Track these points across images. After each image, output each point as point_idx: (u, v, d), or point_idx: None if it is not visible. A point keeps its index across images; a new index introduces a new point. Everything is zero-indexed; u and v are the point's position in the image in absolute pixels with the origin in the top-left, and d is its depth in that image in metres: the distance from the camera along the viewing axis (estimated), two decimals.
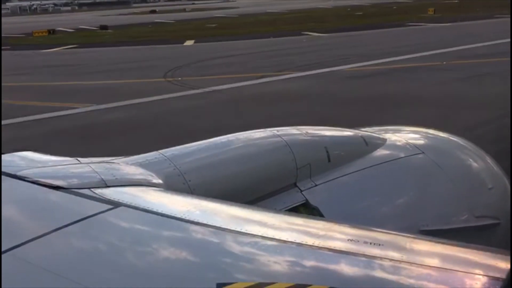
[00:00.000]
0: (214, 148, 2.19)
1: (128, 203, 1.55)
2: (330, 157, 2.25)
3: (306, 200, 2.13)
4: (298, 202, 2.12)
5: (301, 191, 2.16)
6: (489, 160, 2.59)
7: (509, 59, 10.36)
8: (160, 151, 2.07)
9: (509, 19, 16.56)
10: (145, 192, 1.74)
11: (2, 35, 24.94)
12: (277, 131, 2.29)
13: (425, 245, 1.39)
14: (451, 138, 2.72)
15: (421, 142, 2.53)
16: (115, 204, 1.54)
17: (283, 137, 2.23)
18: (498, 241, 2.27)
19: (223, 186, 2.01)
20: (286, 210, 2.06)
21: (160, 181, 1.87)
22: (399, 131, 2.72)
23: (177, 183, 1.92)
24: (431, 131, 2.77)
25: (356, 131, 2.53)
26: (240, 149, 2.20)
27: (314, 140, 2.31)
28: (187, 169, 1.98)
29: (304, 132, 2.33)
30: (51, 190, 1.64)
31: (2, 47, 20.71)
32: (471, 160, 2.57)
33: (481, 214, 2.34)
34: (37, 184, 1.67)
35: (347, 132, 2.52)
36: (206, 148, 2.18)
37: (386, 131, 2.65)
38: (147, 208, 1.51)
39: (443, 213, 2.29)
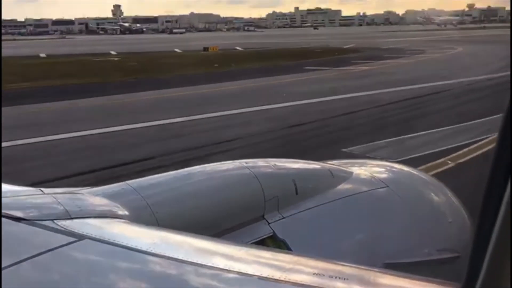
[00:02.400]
0: (182, 179, 2.17)
1: (93, 236, 1.51)
2: (298, 190, 2.27)
3: (274, 232, 2.14)
4: (265, 234, 2.13)
5: (269, 223, 2.16)
6: (449, 194, 2.66)
7: None
8: (127, 182, 2.04)
9: None
10: (110, 224, 1.71)
11: None
12: (246, 163, 2.29)
13: (388, 279, 1.42)
14: (414, 172, 2.80)
15: (386, 175, 2.59)
16: (79, 237, 1.50)
17: (251, 169, 2.23)
18: (457, 275, 2.24)
19: (190, 218, 1.99)
20: (253, 243, 2.06)
21: (126, 213, 1.84)
22: (364, 164, 2.78)
23: (144, 215, 1.89)
24: (395, 165, 2.85)
25: (323, 164, 2.57)
26: (209, 181, 2.19)
27: (282, 173, 2.34)
28: (154, 200, 1.96)
29: (272, 164, 2.35)
30: (12, 222, 1.58)
31: None
32: (432, 194, 2.63)
33: (442, 247, 2.39)
34: None
35: (315, 165, 2.55)
36: (174, 179, 2.16)
37: (352, 164, 2.70)
38: (112, 241, 1.48)
39: (406, 246, 2.33)
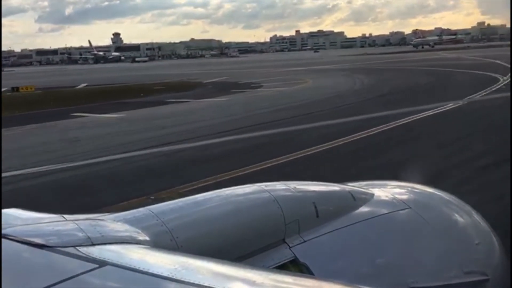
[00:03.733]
0: (202, 204, 2.14)
1: (114, 262, 1.51)
2: (319, 213, 2.22)
3: (295, 256, 2.09)
4: (286, 258, 2.08)
5: (290, 247, 2.11)
6: (475, 215, 2.61)
7: None
8: (148, 207, 2.02)
9: None
10: (131, 250, 1.70)
11: None
12: (265, 186, 2.25)
13: None
14: (436, 192, 2.73)
15: (408, 196, 2.53)
16: (101, 263, 1.49)
17: (271, 193, 2.19)
18: None
19: (211, 243, 1.96)
20: (274, 267, 2.03)
21: (147, 238, 1.83)
22: (385, 185, 2.70)
23: (164, 240, 1.87)
24: (417, 185, 2.76)
25: (344, 186, 2.52)
26: (229, 205, 2.16)
27: (302, 196, 2.29)
28: (175, 225, 1.94)
29: (292, 187, 2.31)
30: (34, 249, 1.58)
31: None
32: (457, 215, 2.57)
33: (469, 270, 2.33)
34: (21, 243, 1.61)
35: (335, 187, 2.49)
36: (194, 204, 2.13)
37: (373, 186, 2.63)
38: (133, 267, 1.46)
39: (432, 269, 2.26)
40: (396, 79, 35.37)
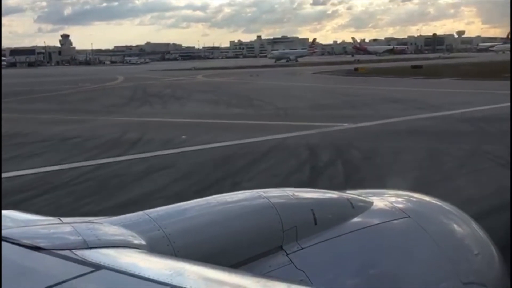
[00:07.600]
0: (200, 209, 2.14)
1: (110, 266, 1.50)
2: (317, 220, 2.21)
3: (292, 263, 2.08)
4: (284, 265, 2.07)
5: (287, 254, 2.10)
6: (474, 225, 2.62)
7: None
8: (145, 211, 2.01)
9: None
10: (127, 254, 1.69)
11: None
12: (264, 192, 2.25)
13: None
14: (436, 202, 2.75)
15: (407, 205, 2.55)
16: (96, 267, 1.49)
17: (269, 199, 2.19)
18: None
19: (208, 249, 1.95)
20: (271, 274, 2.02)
21: (144, 243, 1.82)
22: (384, 194, 2.72)
23: (161, 245, 1.86)
24: (416, 194, 2.79)
25: (342, 193, 2.53)
26: (226, 211, 2.16)
27: (300, 202, 2.29)
28: (172, 230, 1.93)
29: (290, 194, 2.31)
30: (30, 251, 1.57)
31: None
32: (456, 225, 2.58)
33: (468, 280, 2.33)
34: (17, 245, 1.60)
35: (333, 195, 2.50)
36: (192, 209, 2.13)
37: (372, 194, 2.65)
38: (129, 271, 1.46)
39: (430, 279, 2.26)
40: None
